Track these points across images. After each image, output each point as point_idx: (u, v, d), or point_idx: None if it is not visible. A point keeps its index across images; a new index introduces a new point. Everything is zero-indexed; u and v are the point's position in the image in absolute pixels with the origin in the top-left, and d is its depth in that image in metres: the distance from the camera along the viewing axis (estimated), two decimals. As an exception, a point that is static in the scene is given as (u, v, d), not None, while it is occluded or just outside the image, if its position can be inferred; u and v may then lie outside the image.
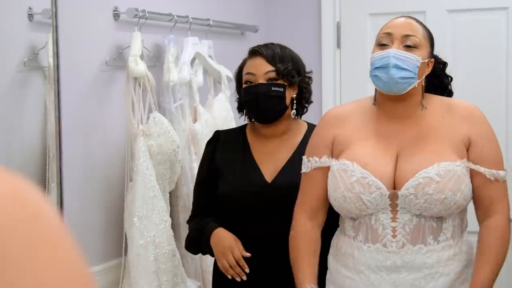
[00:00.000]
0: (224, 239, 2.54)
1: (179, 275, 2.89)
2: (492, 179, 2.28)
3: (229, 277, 2.54)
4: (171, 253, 2.85)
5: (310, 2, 4.19)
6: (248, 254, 2.51)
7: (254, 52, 2.64)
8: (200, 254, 3.12)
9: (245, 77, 2.63)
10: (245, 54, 2.70)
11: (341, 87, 4.14)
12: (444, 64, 2.47)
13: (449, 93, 2.49)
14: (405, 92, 2.27)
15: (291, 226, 2.42)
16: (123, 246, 2.83)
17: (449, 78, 2.48)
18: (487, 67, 3.84)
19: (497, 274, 2.29)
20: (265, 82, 2.58)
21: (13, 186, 0.63)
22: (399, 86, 2.25)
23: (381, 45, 2.29)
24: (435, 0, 3.96)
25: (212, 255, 2.62)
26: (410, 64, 2.24)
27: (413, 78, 2.25)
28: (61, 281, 0.61)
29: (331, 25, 4.13)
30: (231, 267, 2.52)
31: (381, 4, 4.08)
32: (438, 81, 2.45)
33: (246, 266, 2.51)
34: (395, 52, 2.24)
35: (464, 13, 3.93)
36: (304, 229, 2.39)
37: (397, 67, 2.23)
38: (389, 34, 2.29)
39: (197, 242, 2.65)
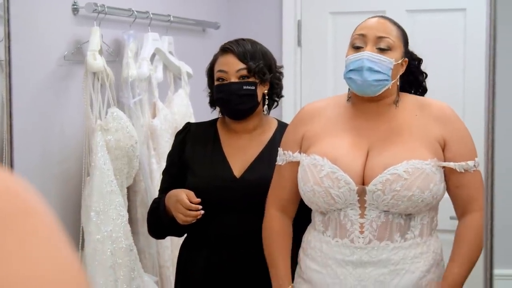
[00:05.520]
0: (172, 196, 2.53)
1: (136, 270, 2.89)
2: (463, 171, 2.29)
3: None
4: (128, 248, 2.85)
5: (271, 0, 4.21)
6: (197, 200, 2.49)
7: (225, 49, 2.64)
8: (157, 249, 3.13)
9: (217, 74, 2.63)
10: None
11: (301, 85, 4.17)
12: (419, 61, 2.50)
13: (423, 90, 2.52)
14: (378, 94, 2.31)
15: (264, 217, 2.46)
16: (80, 240, 2.83)
17: (424, 75, 2.51)
18: (445, 65, 3.89)
19: (469, 271, 2.30)
20: (237, 80, 2.59)
21: (5, 182, 0.63)
22: (373, 88, 2.29)
23: (355, 48, 2.32)
24: (394, 0, 4.01)
25: (170, 221, 2.59)
26: (384, 67, 2.28)
27: (386, 80, 2.29)
28: (53, 276, 0.61)
29: (292, 23, 4.15)
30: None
31: (342, 3, 4.12)
32: (413, 77, 2.48)
33: (198, 208, 2.48)
34: (368, 55, 2.27)
35: (423, 13, 3.98)
36: (276, 223, 2.44)
37: (371, 70, 2.26)
38: (362, 35, 2.31)
39: (156, 212, 2.63)
